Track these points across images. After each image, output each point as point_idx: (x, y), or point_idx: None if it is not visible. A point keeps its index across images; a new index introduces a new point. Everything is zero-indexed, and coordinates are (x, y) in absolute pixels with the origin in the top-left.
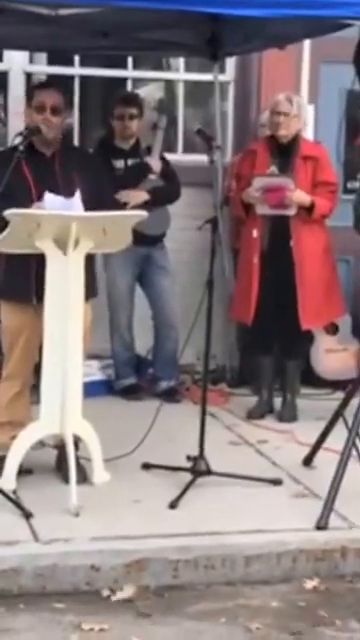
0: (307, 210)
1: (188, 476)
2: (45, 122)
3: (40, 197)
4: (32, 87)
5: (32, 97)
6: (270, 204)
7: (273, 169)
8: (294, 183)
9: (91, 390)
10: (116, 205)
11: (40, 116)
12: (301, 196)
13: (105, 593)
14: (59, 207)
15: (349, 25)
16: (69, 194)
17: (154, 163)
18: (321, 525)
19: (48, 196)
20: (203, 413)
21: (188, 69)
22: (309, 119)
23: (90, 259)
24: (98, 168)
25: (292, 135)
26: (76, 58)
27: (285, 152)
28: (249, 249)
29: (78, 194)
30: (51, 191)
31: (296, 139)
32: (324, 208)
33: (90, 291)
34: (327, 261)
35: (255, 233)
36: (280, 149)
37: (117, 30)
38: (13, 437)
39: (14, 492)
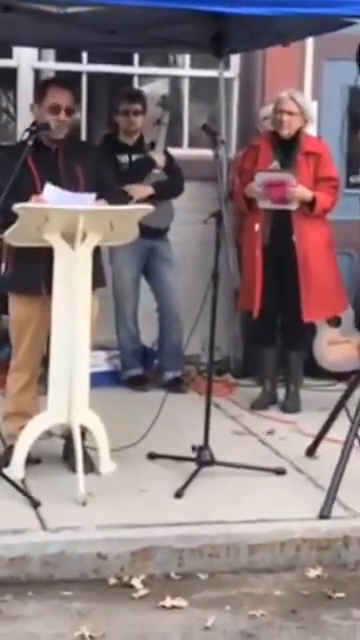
0: (309, 206)
1: (193, 466)
2: (59, 123)
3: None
4: (43, 83)
5: (43, 94)
6: (272, 199)
7: (275, 164)
8: (296, 178)
9: (98, 381)
10: (123, 197)
11: (54, 117)
12: (303, 192)
13: (112, 581)
14: (58, 198)
15: (352, 23)
16: (73, 187)
17: (158, 158)
18: (324, 514)
19: (48, 187)
20: (208, 403)
21: (193, 65)
22: (314, 116)
23: (96, 249)
24: (102, 161)
25: (294, 132)
26: (84, 55)
27: (287, 147)
28: (251, 243)
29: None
30: (55, 184)
31: (298, 135)
32: (326, 203)
33: (97, 281)
34: (329, 255)
35: (257, 227)
36: (282, 144)
37: (124, 27)
38: (21, 427)
39: (22, 481)
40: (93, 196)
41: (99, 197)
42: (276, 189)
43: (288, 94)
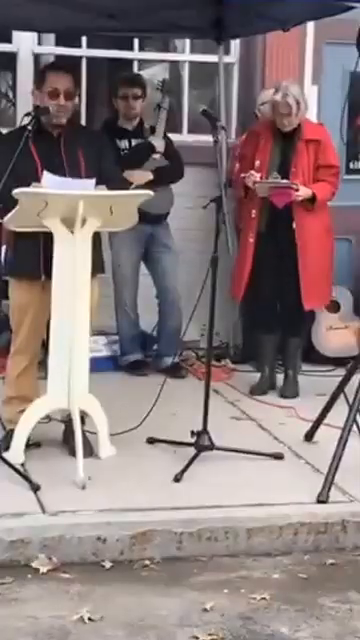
0: (309, 200)
1: (192, 450)
2: (59, 108)
3: None
4: (43, 69)
5: (43, 80)
6: (279, 206)
7: (275, 175)
8: (297, 183)
9: (97, 365)
10: (124, 183)
11: (53, 101)
12: (305, 192)
13: (111, 564)
14: (56, 185)
15: (352, 7)
16: (74, 173)
17: (158, 143)
18: (322, 499)
19: (46, 175)
20: (207, 389)
21: (193, 50)
22: (312, 103)
23: (96, 236)
24: (104, 146)
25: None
26: (83, 39)
27: (288, 135)
28: (247, 229)
29: (92, 181)
30: (56, 170)
31: (299, 123)
32: (326, 195)
33: (97, 268)
34: (327, 242)
35: (254, 213)
36: (282, 132)
37: (124, 12)
38: (21, 411)
39: (22, 465)
40: (93, 182)
41: (99, 183)
42: (280, 197)
43: (282, 96)
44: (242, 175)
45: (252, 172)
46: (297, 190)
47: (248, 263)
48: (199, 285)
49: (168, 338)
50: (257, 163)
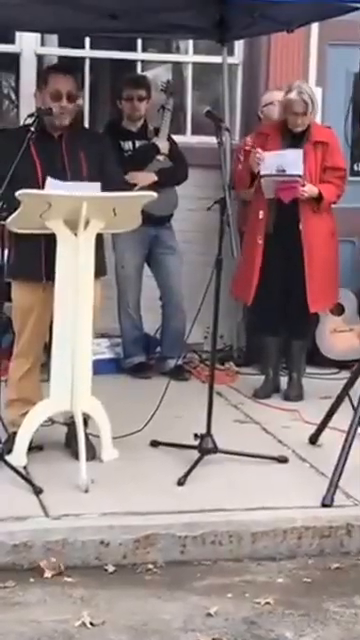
0: (315, 200)
1: (195, 453)
2: (62, 109)
3: (45, 178)
4: (45, 70)
5: (46, 81)
6: (285, 200)
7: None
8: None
9: (100, 368)
10: (125, 186)
11: (56, 103)
12: (311, 189)
13: (114, 568)
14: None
15: (357, 9)
16: (75, 175)
17: (162, 144)
18: (326, 503)
19: (50, 181)
20: (211, 391)
21: (197, 51)
22: (319, 103)
23: (99, 238)
24: (106, 148)
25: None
26: (87, 40)
27: (296, 136)
28: (254, 230)
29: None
30: (57, 172)
31: (308, 125)
32: (332, 196)
33: (99, 270)
34: (332, 244)
35: (261, 214)
36: (291, 133)
37: (127, 13)
38: (24, 414)
39: (25, 468)
40: (98, 185)
41: (104, 188)
42: (286, 192)
43: (297, 93)
44: (248, 148)
45: (258, 149)
46: (303, 185)
47: (257, 265)
48: (201, 287)
49: (171, 340)
50: None
